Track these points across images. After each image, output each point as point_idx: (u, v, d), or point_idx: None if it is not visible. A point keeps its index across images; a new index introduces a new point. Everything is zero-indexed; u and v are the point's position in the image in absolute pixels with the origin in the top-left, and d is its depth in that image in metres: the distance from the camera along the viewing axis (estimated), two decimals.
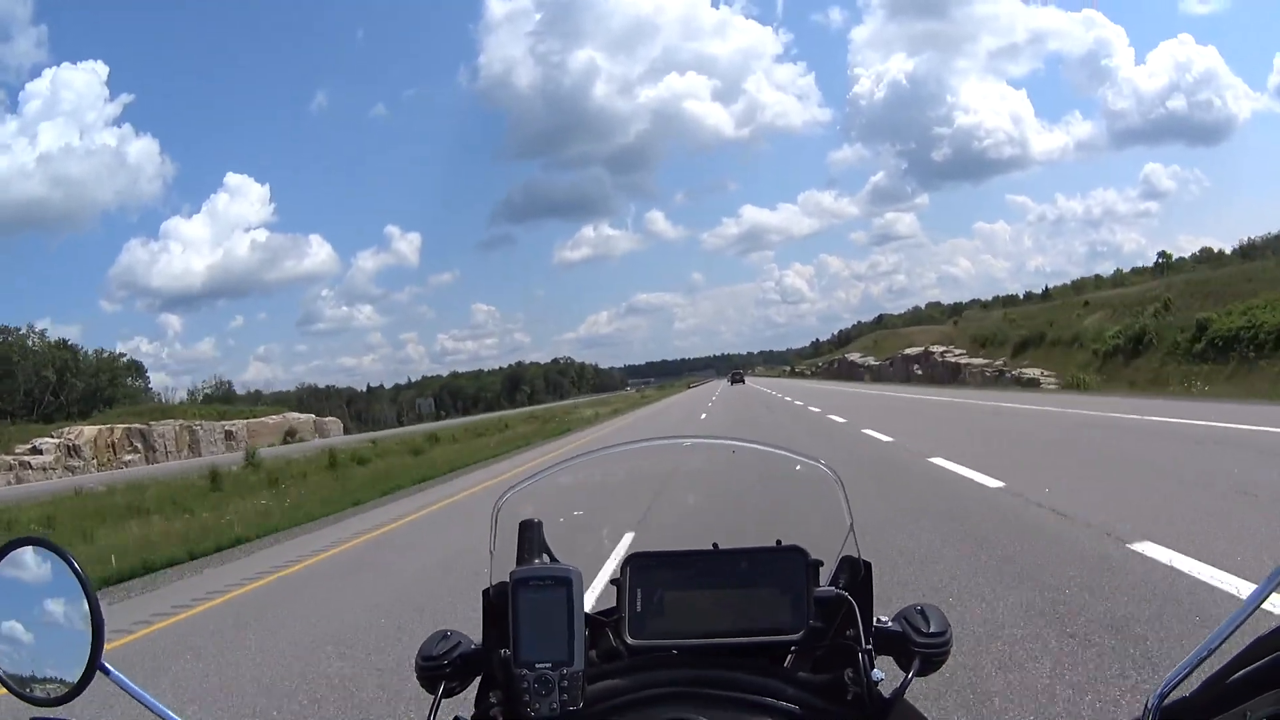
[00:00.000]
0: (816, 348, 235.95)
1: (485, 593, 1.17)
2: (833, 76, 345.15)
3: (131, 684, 1.05)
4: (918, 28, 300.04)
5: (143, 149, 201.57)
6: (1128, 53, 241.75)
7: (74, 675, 1.04)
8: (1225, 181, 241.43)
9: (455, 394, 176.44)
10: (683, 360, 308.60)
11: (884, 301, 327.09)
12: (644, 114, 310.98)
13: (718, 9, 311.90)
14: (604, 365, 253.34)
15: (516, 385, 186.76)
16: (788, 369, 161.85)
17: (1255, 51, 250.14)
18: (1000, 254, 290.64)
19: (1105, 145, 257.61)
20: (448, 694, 1.15)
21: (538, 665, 1.03)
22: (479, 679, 1.15)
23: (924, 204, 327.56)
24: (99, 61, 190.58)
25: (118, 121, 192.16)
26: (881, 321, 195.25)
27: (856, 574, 1.20)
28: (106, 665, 1.04)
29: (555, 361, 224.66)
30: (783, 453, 1.35)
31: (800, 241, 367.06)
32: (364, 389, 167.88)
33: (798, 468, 1.32)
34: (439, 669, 1.14)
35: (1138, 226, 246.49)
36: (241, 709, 4.81)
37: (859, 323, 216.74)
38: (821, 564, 1.22)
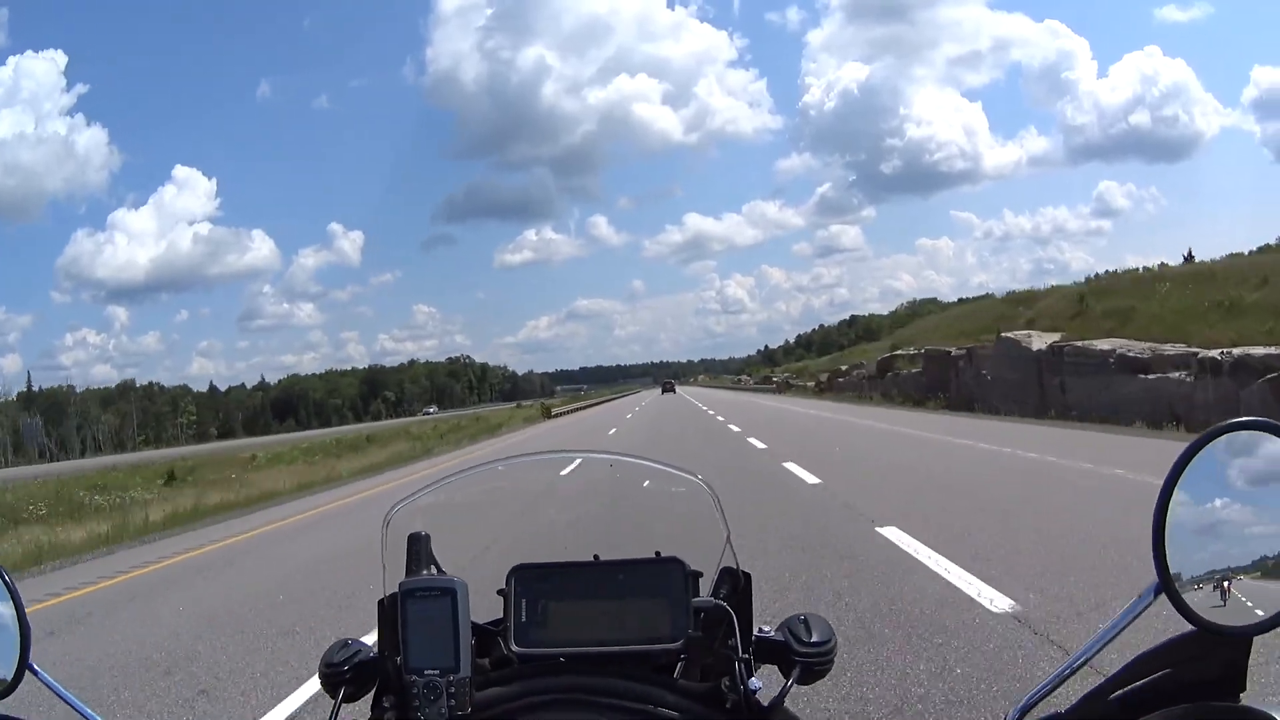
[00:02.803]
0: (768, 354, 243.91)
1: (380, 603, 1.40)
2: (786, 82, 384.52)
3: (58, 685, 1.25)
4: (877, 31, 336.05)
5: (93, 139, 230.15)
6: (1090, 65, 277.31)
7: (4, 675, 1.23)
8: (1183, 201, 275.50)
9: (297, 400, 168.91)
10: (618, 367, 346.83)
11: (825, 314, 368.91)
12: (592, 116, 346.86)
13: (673, 10, 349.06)
14: (545, 370, 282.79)
15: (376, 391, 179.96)
16: (739, 378, 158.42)
17: (1228, 65, 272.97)
18: (943, 269, 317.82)
19: (1060, 161, 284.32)
20: (348, 699, 1.36)
21: (426, 672, 1.24)
22: (377, 685, 1.36)
23: (870, 217, 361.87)
24: (59, 50, 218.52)
25: (72, 111, 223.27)
26: (854, 323, 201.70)
27: (736, 584, 1.43)
28: (35, 666, 1.24)
29: (451, 361, 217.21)
30: (660, 467, 1.60)
31: (743, 251, 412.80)
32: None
33: (674, 480, 1.57)
34: (339, 675, 1.35)
35: (1086, 245, 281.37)
36: None
37: (821, 325, 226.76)
38: (701, 575, 1.42)
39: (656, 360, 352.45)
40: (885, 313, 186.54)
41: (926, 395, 34.26)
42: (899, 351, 46.32)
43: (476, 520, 1.73)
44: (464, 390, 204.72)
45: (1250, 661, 1.00)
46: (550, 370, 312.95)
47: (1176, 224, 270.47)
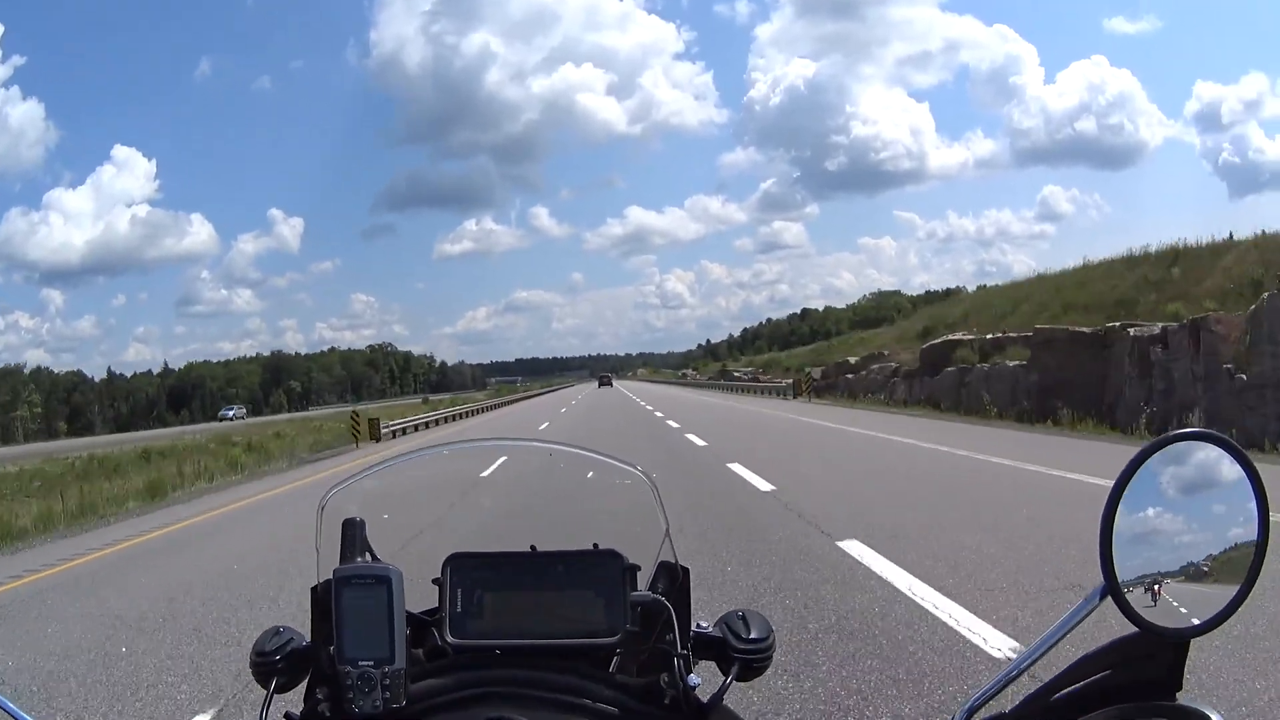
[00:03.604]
0: (710, 348, 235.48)
1: (313, 590, 1.34)
2: (733, 76, 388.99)
3: None
4: (827, 28, 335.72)
5: (29, 114, 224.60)
6: (1038, 71, 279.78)
7: None
8: (1125, 207, 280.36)
9: (192, 390, 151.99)
10: (555, 359, 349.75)
11: (765, 310, 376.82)
12: (536, 104, 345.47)
13: (621, 1, 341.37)
14: (481, 361, 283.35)
15: (278, 380, 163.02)
16: (684, 373, 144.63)
17: (1172, 78, 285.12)
18: (885, 269, 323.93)
19: (1006, 164, 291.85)
20: (280, 690, 1.31)
21: (360, 663, 1.20)
22: (310, 675, 1.32)
23: (813, 214, 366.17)
24: None
25: (6, 84, 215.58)
26: (805, 316, 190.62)
27: (675, 579, 1.37)
28: None
29: (371, 349, 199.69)
30: (600, 458, 1.54)
31: (684, 246, 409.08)
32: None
33: (614, 471, 1.51)
34: (271, 665, 1.31)
35: (1029, 248, 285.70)
36: None
37: (769, 319, 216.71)
38: (639, 569, 1.39)
39: (595, 354, 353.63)
40: (842, 306, 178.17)
41: (1059, 405, 19.69)
42: (958, 336, 31.01)
43: (412, 506, 1.70)
44: (384, 381, 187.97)
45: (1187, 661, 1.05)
46: (485, 362, 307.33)
47: (1120, 229, 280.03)
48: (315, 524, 1.39)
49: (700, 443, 20.09)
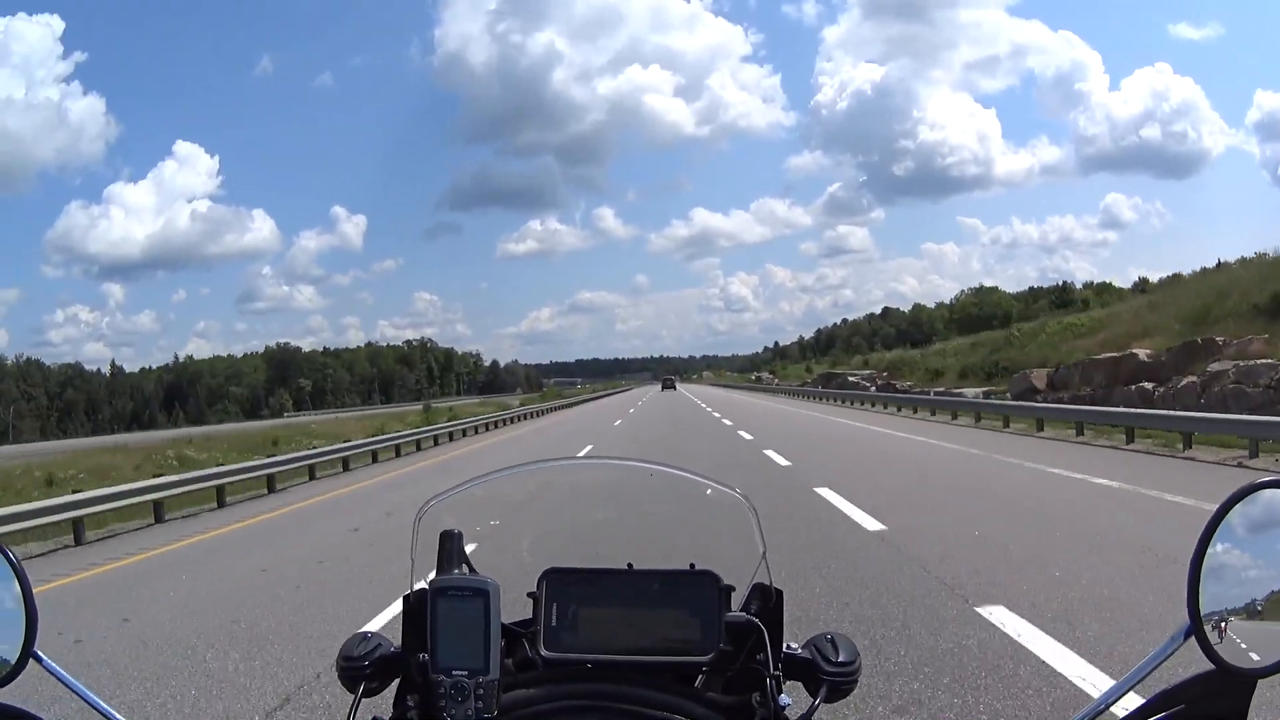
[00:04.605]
0: (779, 350, 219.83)
1: (405, 598, 1.39)
2: (800, 79, 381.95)
3: (63, 672, 1.23)
4: (895, 29, 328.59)
5: (89, 108, 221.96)
6: (1102, 78, 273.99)
7: (9, 660, 1.21)
8: (1186, 217, 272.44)
9: (187, 387, 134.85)
10: (617, 360, 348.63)
11: (827, 315, 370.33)
12: (602, 105, 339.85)
13: (688, 2, 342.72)
14: (542, 361, 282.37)
15: (285, 379, 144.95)
16: (758, 376, 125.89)
17: (1234, 86, 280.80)
18: (947, 275, 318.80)
19: (1071, 171, 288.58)
20: (367, 694, 1.35)
21: (454, 672, 1.23)
22: (398, 681, 1.36)
23: (879, 219, 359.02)
24: (55, 15, 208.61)
25: (68, 79, 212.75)
26: (888, 316, 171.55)
27: (768, 600, 1.41)
28: (39, 653, 1.22)
29: (408, 345, 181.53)
30: (698, 478, 1.56)
31: (749, 249, 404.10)
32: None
33: (711, 492, 1.55)
34: (359, 669, 1.35)
35: (1091, 256, 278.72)
36: None
37: (844, 320, 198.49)
38: (734, 589, 1.41)
39: (657, 355, 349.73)
40: (932, 305, 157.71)
41: None
42: None
43: (507, 520, 1.74)
44: (421, 381, 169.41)
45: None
46: (545, 362, 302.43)
47: (1181, 239, 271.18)
48: (412, 534, 1.43)
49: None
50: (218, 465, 21.35)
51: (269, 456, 23.52)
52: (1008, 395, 31.87)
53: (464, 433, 38.99)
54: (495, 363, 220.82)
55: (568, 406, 65.80)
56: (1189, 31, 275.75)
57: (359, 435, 34.00)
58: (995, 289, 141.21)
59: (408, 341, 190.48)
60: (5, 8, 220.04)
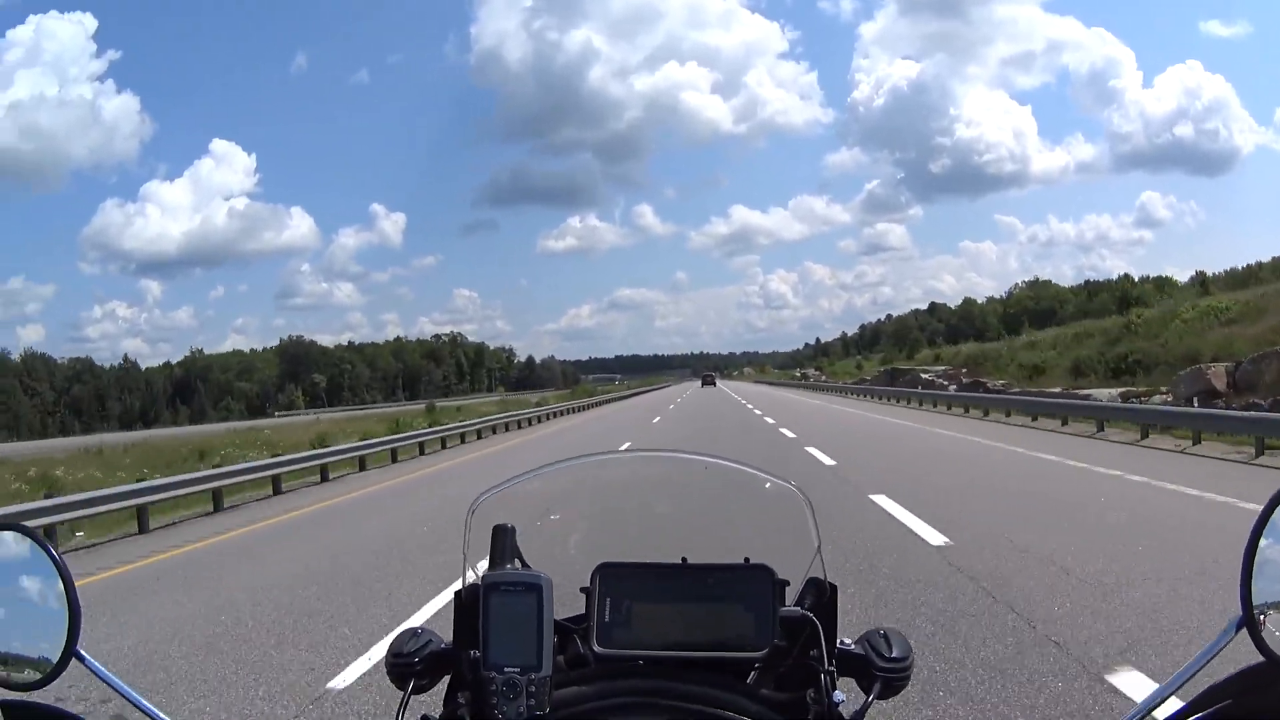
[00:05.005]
0: (821, 347, 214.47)
1: (457, 594, 1.38)
2: (837, 75, 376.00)
3: (106, 671, 1.22)
4: (931, 26, 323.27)
5: (123, 106, 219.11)
6: (1136, 75, 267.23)
7: (51, 659, 1.19)
8: (1219, 216, 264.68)
9: (195, 383, 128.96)
10: (657, 357, 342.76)
11: (866, 312, 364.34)
12: (639, 102, 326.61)
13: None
14: (580, 358, 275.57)
15: (297, 375, 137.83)
16: (802, 373, 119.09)
17: (1264, 84, 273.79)
18: (985, 273, 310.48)
19: (1106, 168, 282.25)
20: (417, 691, 1.34)
21: (506, 669, 1.21)
22: (448, 678, 1.35)
23: (917, 216, 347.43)
24: (88, 14, 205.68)
25: (101, 77, 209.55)
26: (935, 311, 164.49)
27: (822, 595, 1.39)
28: (82, 652, 1.20)
29: (436, 339, 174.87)
30: (753, 471, 1.56)
31: (789, 246, 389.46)
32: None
33: (767, 485, 1.55)
34: (409, 666, 1.34)
35: (1127, 255, 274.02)
36: None
37: (889, 315, 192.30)
38: (788, 584, 1.39)
39: (697, 352, 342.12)
40: (982, 299, 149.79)
41: None
42: None
43: (560, 514, 1.73)
44: (450, 376, 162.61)
45: None
46: (584, 358, 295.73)
47: (1214, 238, 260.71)
48: (464, 529, 1.41)
49: None
50: (86, 490, 14.43)
51: (171, 476, 17.15)
52: (1164, 397, 24.00)
53: (461, 438, 31.88)
54: (531, 358, 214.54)
55: (587, 408, 58.59)
56: (1219, 29, 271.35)
57: (333, 441, 26.96)
58: (1050, 282, 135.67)
59: (436, 336, 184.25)
60: (36, 5, 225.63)
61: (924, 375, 48.93)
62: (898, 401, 42.61)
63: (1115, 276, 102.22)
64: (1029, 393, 31.58)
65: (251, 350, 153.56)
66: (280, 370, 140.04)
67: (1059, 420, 23.66)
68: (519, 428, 38.80)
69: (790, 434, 24.47)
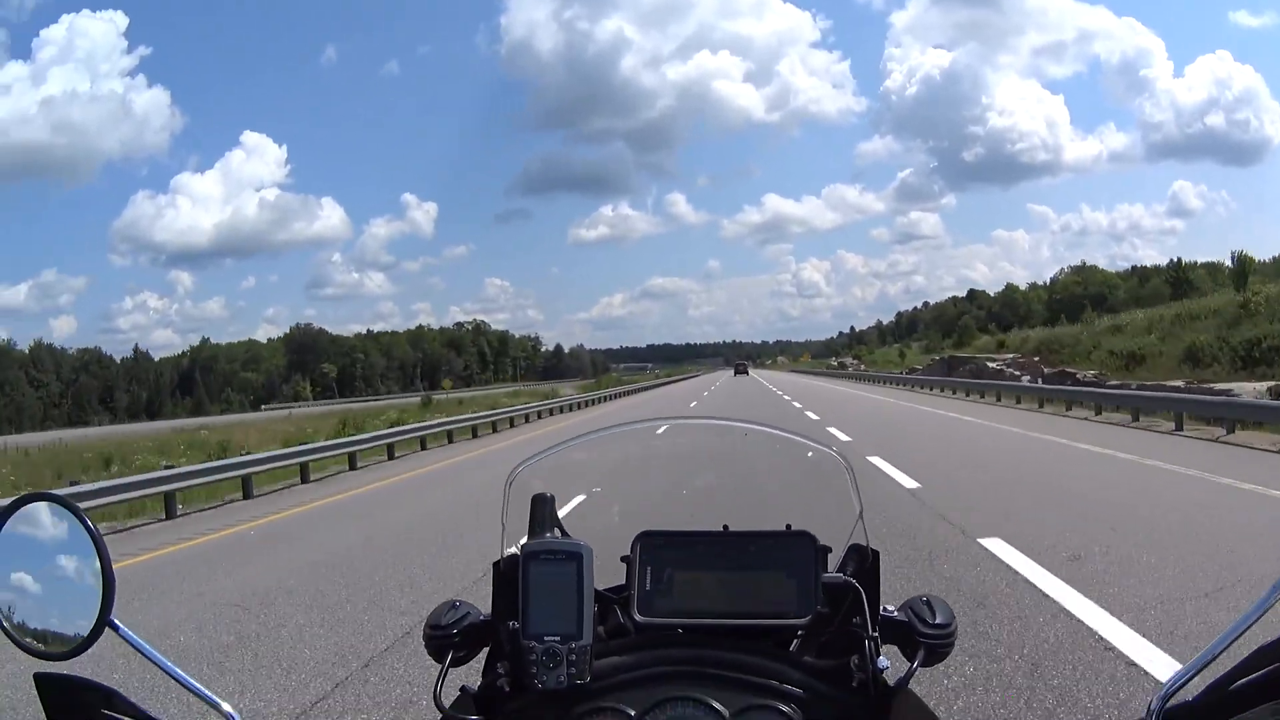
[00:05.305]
0: (856, 335, 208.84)
1: (495, 564, 1.38)
2: (869, 64, 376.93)
3: (139, 640, 1.20)
4: (962, 15, 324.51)
5: (154, 100, 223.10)
6: (1166, 64, 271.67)
7: (83, 630, 1.19)
8: (1250, 206, 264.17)
9: (200, 373, 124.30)
10: (689, 345, 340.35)
11: (900, 301, 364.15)
12: (672, 91, 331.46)
13: None
14: (611, 346, 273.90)
15: (305, 365, 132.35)
16: (838, 362, 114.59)
17: None
18: (1018, 262, 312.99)
19: (1138, 158, 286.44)
20: (455, 663, 1.34)
21: (546, 638, 1.20)
22: (487, 649, 1.35)
23: (950, 205, 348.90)
24: (119, 11, 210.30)
25: (132, 73, 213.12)
26: (974, 298, 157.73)
27: (864, 561, 1.38)
28: (116, 621, 1.19)
29: (458, 327, 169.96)
30: (794, 437, 1.57)
31: (821, 235, 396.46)
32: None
33: (809, 454, 1.55)
34: (447, 638, 1.33)
35: (1159, 244, 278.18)
36: None
37: (926, 303, 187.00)
38: (830, 550, 1.38)
39: (729, 340, 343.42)
40: (1024, 285, 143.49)
41: None
42: None
43: (600, 483, 1.71)
44: (472, 366, 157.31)
45: None
46: (615, 347, 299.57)
47: (1242, 227, 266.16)
48: (502, 499, 1.40)
49: None
50: None
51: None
52: None
53: (449, 436, 27.15)
54: (559, 347, 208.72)
55: (602, 400, 53.09)
56: (1248, 19, 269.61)
57: (305, 440, 22.88)
58: (1097, 268, 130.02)
59: (459, 323, 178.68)
60: (69, 5, 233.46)
61: (990, 364, 42.51)
62: (953, 393, 37.18)
63: (1178, 258, 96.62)
64: (1148, 387, 25.26)
65: (268, 340, 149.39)
66: (287, 360, 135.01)
67: (1170, 419, 18.44)
68: (510, 426, 33.22)
69: (843, 435, 18.83)
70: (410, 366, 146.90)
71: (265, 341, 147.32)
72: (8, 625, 1.18)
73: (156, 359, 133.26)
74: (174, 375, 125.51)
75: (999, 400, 30.81)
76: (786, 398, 38.13)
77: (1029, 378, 37.42)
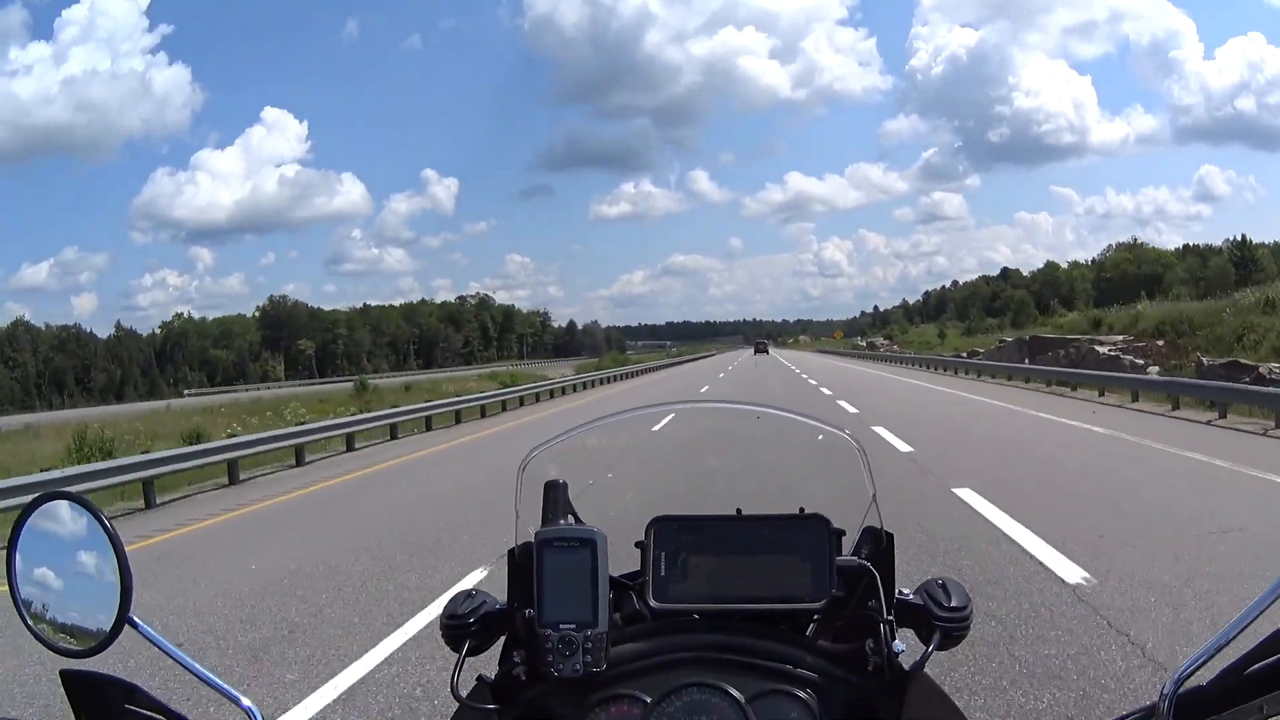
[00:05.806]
0: (880, 315, 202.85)
1: (510, 553, 1.36)
2: (895, 42, 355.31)
3: (159, 636, 1.20)
4: None
5: (175, 78, 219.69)
6: (1197, 46, 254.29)
7: (104, 626, 1.20)
8: (1277, 191, 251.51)
9: (172, 351, 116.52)
10: (709, 323, 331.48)
11: (921, 281, 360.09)
12: (696, 67, 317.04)
13: None
14: (630, 324, 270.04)
15: (279, 342, 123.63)
16: (865, 341, 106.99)
17: None
18: (1040, 244, 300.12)
19: (1166, 140, 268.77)
20: (472, 653, 1.32)
21: (562, 626, 1.21)
22: (503, 638, 1.33)
23: (974, 185, 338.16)
24: None
25: (154, 50, 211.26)
26: (1008, 277, 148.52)
27: (879, 544, 1.37)
28: (135, 618, 1.20)
29: (460, 300, 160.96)
30: (807, 420, 1.55)
31: (844, 214, 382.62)
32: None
33: (820, 436, 1.52)
34: (463, 628, 1.31)
35: (1184, 230, 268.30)
36: None
37: (955, 282, 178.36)
38: (844, 533, 1.37)
39: (750, 319, 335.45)
40: (1064, 263, 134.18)
41: None
42: None
43: (613, 468, 1.68)
44: (474, 342, 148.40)
45: None
46: (634, 324, 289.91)
47: (1270, 212, 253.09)
48: (515, 486, 1.38)
49: None
50: None
51: None
52: None
53: (392, 433, 21.24)
54: (572, 323, 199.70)
55: (594, 384, 43.75)
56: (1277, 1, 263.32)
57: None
58: (1148, 245, 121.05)
59: (461, 297, 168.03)
60: None
61: (1099, 349, 33.00)
62: (1027, 382, 29.70)
63: (1243, 235, 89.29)
64: None
65: (251, 316, 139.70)
66: (261, 336, 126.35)
67: None
68: (456, 422, 24.95)
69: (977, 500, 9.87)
70: (404, 343, 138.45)
71: (245, 317, 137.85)
72: (34, 624, 1.20)
73: (145, 336, 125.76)
74: (149, 353, 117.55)
75: (1135, 400, 21.68)
76: (828, 392, 29.21)
77: (1157, 368, 28.21)
